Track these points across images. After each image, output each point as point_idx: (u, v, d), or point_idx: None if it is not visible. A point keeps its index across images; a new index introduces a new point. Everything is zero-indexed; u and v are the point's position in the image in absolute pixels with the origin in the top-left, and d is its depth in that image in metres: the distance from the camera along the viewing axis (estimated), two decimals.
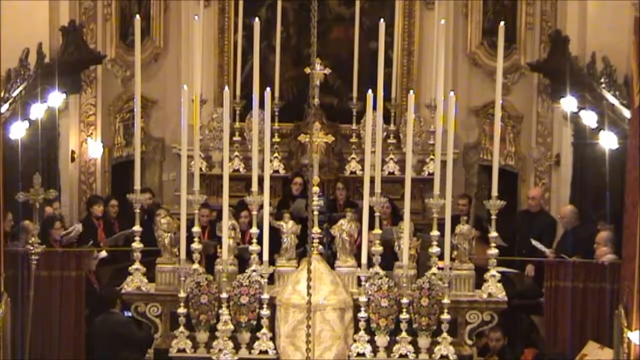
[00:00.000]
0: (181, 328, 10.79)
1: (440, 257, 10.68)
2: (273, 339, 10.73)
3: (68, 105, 14.49)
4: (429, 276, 10.76)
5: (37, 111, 13.19)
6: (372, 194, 10.66)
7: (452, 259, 10.75)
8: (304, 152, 14.96)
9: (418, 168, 15.31)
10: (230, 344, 10.38)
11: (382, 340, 10.77)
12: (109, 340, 11.24)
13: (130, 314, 11.22)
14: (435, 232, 10.70)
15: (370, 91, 10.71)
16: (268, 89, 10.65)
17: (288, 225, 11.01)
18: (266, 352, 10.73)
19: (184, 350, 10.78)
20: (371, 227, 10.65)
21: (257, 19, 11.08)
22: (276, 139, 15.31)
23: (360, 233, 10.77)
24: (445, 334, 10.74)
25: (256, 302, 10.72)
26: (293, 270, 10.89)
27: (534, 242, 13.16)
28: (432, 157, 14.94)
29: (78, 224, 13.38)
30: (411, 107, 11.20)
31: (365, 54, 15.44)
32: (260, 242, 10.49)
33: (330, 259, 11.38)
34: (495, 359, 11.58)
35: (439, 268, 10.72)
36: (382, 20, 11.28)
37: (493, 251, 10.86)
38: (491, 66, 14.97)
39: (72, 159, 14.74)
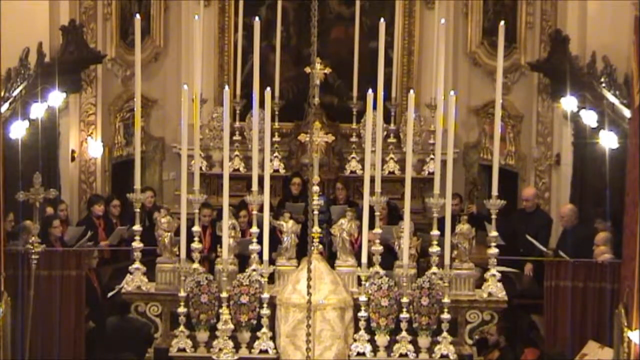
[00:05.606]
0: (181, 327, 10.80)
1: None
2: (273, 338, 10.74)
3: (68, 105, 14.47)
4: (429, 275, 10.77)
5: (37, 111, 13.17)
6: (372, 193, 10.66)
7: (452, 259, 10.76)
8: (304, 151, 14.96)
9: (418, 167, 15.31)
10: (231, 344, 10.32)
11: (382, 339, 10.77)
12: (131, 344, 11.38)
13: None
14: (435, 232, 10.71)
15: (370, 91, 10.70)
16: (268, 88, 10.65)
17: (288, 225, 11.01)
18: (266, 351, 10.74)
19: (184, 350, 10.79)
20: (371, 226, 10.66)
21: (257, 18, 11.07)
22: (276, 139, 15.30)
23: (360, 232, 10.78)
24: (445, 334, 10.75)
25: (256, 301, 10.72)
26: (293, 269, 10.89)
27: (530, 239, 13.16)
28: (432, 156, 14.93)
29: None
30: (411, 107, 11.21)
31: (365, 54, 15.43)
32: (260, 241, 10.50)
33: (330, 259, 11.38)
34: (497, 354, 11.62)
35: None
36: (382, 19, 11.26)
37: (493, 251, 10.86)
38: (491, 66, 14.97)
39: (72, 159, 14.73)
